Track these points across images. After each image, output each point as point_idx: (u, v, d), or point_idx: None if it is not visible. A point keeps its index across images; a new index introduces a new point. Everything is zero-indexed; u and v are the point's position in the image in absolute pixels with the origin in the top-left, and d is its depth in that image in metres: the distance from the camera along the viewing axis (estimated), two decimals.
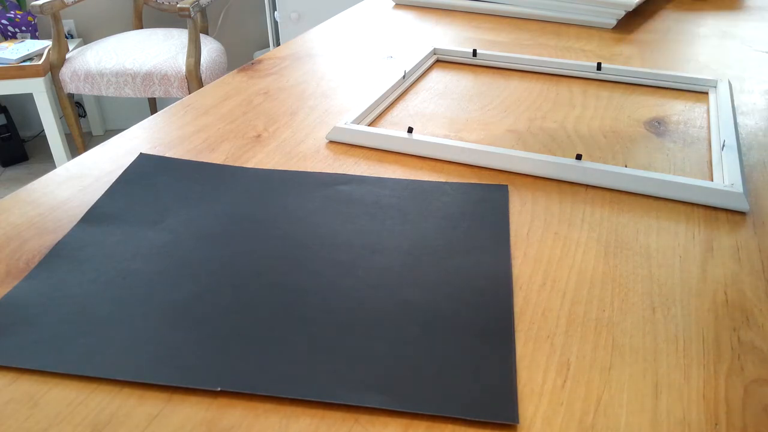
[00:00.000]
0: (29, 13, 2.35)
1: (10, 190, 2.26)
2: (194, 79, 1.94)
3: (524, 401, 0.30)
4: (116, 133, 0.57)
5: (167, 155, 0.52)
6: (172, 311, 0.35)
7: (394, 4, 1.00)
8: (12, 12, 2.33)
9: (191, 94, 0.64)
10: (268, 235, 0.41)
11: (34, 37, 2.38)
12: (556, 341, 0.33)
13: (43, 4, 1.87)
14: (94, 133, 2.68)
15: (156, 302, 0.35)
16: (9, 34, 2.34)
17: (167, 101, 2.61)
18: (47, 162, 2.43)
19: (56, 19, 1.95)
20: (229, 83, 0.67)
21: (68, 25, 2.45)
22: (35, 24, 2.39)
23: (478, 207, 0.44)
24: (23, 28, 2.36)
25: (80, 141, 2.12)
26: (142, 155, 0.51)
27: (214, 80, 1.02)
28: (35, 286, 0.36)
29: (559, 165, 0.48)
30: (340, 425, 0.28)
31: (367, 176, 0.48)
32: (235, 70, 0.71)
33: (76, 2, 2.03)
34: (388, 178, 0.48)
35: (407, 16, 0.93)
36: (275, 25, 2.38)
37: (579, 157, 0.49)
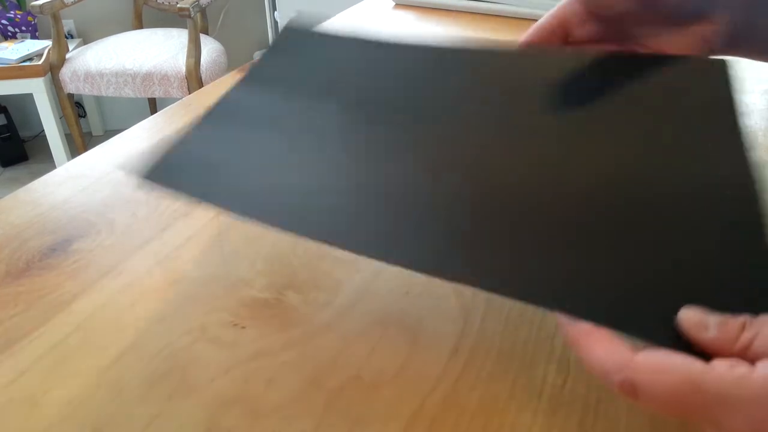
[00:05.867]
0: (29, 13, 2.35)
1: (10, 190, 2.26)
2: (194, 79, 1.94)
3: (524, 401, 0.30)
4: (116, 133, 0.57)
5: None
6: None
7: (394, 4, 1.00)
8: (12, 12, 2.33)
9: (191, 94, 0.64)
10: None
11: (34, 37, 2.38)
12: (556, 341, 0.33)
13: (43, 4, 1.87)
14: (94, 133, 2.68)
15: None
16: (9, 34, 2.34)
17: (167, 101, 2.61)
18: (47, 162, 2.43)
19: (56, 19, 1.95)
20: (229, 83, 0.67)
21: (68, 25, 2.45)
22: (35, 24, 2.39)
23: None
24: (23, 28, 2.36)
25: (80, 141, 2.12)
26: (289, 26, 0.49)
27: (214, 80, 1.02)
28: (203, 133, 0.37)
29: None
30: (340, 425, 0.28)
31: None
32: (235, 70, 0.71)
33: (76, 2, 2.03)
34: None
35: (407, 16, 0.93)
36: (275, 25, 2.38)
37: None
